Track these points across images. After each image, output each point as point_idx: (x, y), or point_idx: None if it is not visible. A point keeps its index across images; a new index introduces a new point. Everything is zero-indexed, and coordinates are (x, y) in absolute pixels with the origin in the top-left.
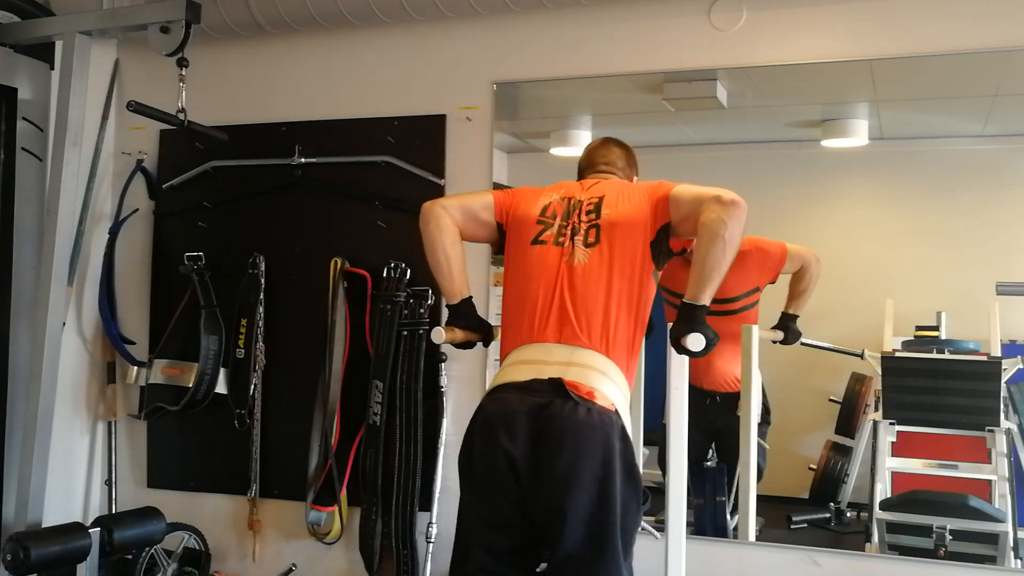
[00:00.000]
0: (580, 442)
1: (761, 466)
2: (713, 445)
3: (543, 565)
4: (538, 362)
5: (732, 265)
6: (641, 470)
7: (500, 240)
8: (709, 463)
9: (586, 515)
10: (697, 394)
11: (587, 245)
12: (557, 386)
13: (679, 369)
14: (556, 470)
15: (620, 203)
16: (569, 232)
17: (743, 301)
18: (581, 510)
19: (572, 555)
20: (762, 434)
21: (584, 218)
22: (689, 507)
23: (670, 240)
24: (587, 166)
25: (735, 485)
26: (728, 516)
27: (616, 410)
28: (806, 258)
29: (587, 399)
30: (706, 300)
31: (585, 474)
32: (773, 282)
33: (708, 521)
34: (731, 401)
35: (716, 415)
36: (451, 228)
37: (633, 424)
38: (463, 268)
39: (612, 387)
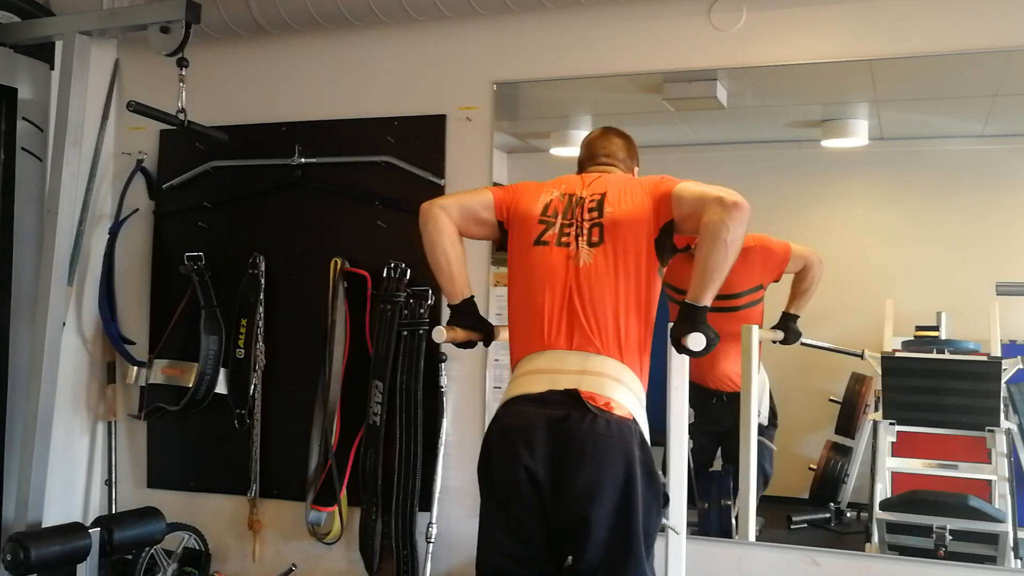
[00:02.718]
0: (601, 455)
1: (768, 471)
2: (719, 449)
3: (569, 559)
4: (552, 371)
5: (736, 262)
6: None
7: (502, 237)
8: (715, 468)
9: (609, 524)
10: (703, 393)
11: (591, 245)
12: (573, 397)
13: (679, 369)
14: (578, 484)
15: (622, 200)
16: (572, 232)
17: (747, 298)
18: (604, 520)
19: (596, 562)
20: (769, 436)
21: (586, 216)
22: (694, 510)
23: (674, 237)
24: (587, 158)
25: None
26: (733, 520)
27: (634, 418)
28: (809, 258)
29: (605, 410)
30: (707, 301)
31: (607, 486)
32: (776, 280)
33: (714, 525)
34: (737, 401)
35: (722, 415)
36: (450, 228)
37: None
38: (464, 268)
39: (628, 394)
